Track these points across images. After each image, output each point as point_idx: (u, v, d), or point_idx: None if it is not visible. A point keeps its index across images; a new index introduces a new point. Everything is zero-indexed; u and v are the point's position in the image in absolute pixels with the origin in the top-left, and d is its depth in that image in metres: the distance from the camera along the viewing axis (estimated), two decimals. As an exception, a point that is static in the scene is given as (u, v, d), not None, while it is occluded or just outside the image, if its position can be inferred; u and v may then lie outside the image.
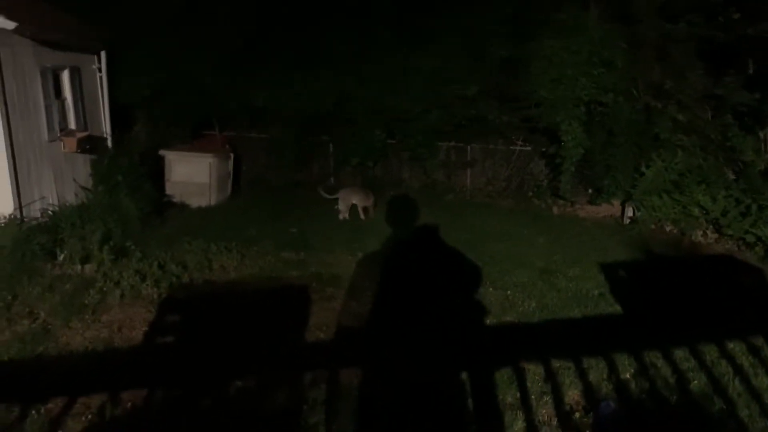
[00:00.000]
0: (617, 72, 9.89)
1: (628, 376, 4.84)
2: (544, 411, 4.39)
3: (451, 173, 12.57)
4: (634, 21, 9.71)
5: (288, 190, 12.10)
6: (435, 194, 11.95)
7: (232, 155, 11.74)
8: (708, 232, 9.40)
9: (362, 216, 10.18)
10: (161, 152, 10.95)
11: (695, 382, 4.74)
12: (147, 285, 6.54)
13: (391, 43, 11.16)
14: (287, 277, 7.28)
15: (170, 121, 11.90)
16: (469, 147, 12.34)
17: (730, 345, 5.29)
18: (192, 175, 10.82)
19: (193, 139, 11.99)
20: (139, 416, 4.31)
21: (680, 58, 9.51)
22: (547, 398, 4.52)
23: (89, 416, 4.24)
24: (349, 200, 10.26)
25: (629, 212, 10.39)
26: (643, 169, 9.86)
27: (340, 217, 10.14)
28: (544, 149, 11.56)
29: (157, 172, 10.62)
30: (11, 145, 7.56)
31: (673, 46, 9.56)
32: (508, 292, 6.78)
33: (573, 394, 4.60)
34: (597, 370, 4.89)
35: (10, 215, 7.54)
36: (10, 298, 6.16)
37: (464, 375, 4.76)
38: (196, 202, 10.79)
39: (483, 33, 10.80)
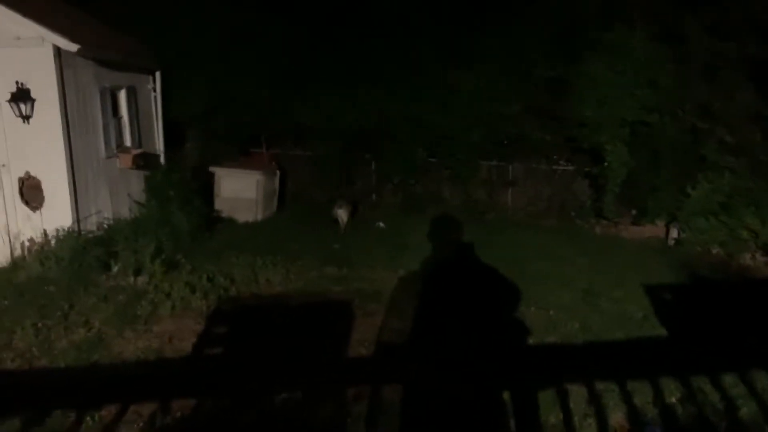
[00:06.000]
0: (663, 92, 9.79)
1: (674, 400, 4.78)
2: (587, 433, 4.39)
3: (492, 192, 12.52)
4: (682, 40, 9.61)
5: (331, 206, 12.24)
6: (476, 213, 11.91)
7: (278, 172, 12.01)
8: (757, 255, 9.17)
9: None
10: (211, 169, 11.28)
11: (745, 408, 4.65)
12: (196, 297, 6.75)
13: (436, 62, 11.26)
14: (330, 292, 7.40)
15: (220, 139, 12.25)
16: (510, 166, 12.29)
17: (782, 371, 5.17)
18: (240, 191, 11.11)
19: (241, 157, 12.30)
20: (188, 425, 4.43)
21: (729, 78, 9.37)
22: (591, 420, 4.50)
23: (140, 424, 4.39)
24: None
25: (674, 233, 10.19)
26: (689, 190, 9.69)
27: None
28: (587, 169, 11.46)
29: (207, 188, 10.94)
30: (71, 160, 7.89)
31: (722, 66, 9.42)
32: (551, 312, 6.75)
33: (617, 417, 4.56)
34: (642, 393, 4.84)
35: (68, 228, 7.85)
36: (67, 307, 6.43)
37: (506, 394, 4.77)
38: (243, 217, 11.05)
39: (528, 52, 10.83)
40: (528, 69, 10.91)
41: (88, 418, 4.41)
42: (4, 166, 7.80)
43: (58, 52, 7.52)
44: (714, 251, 9.52)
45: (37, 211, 7.92)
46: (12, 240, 7.94)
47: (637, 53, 9.72)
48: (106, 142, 8.76)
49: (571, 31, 10.58)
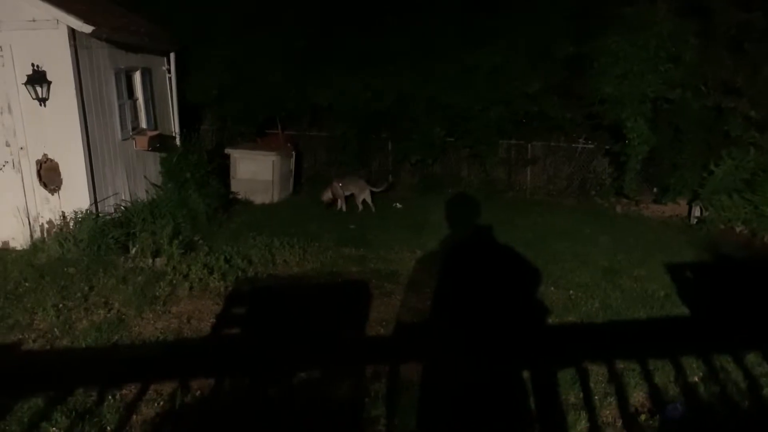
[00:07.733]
0: (686, 67, 9.57)
1: (696, 379, 4.71)
2: (608, 412, 4.34)
3: (511, 171, 12.42)
4: (705, 13, 9.37)
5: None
6: (494, 192, 11.85)
7: (293, 153, 11.99)
8: (782, 233, 9.00)
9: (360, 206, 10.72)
10: (227, 150, 11.31)
11: (769, 387, 4.59)
12: (214, 278, 6.75)
13: (453, 40, 11.08)
14: (347, 272, 7.38)
15: (236, 121, 12.24)
16: (530, 145, 12.16)
17: (807, 350, 5.08)
18: (256, 172, 11.13)
19: (257, 138, 12.29)
20: (208, 404, 4.46)
21: (754, 52, 9.12)
22: (611, 399, 4.46)
23: (161, 403, 4.43)
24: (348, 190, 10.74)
25: (696, 212, 10.02)
26: (712, 167, 9.51)
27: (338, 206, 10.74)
28: (608, 147, 11.30)
29: (223, 170, 10.94)
30: (88, 143, 7.90)
31: (746, 39, 9.17)
32: (571, 291, 6.69)
33: (638, 396, 4.51)
34: (663, 372, 4.79)
35: (86, 210, 7.89)
36: (87, 288, 6.47)
37: (526, 373, 4.74)
38: (259, 198, 11.08)
39: (547, 29, 10.62)
40: (547, 45, 10.72)
41: (110, 397, 4.46)
42: (22, 149, 7.84)
43: (72, 33, 7.48)
44: (738, 229, 9.35)
45: (55, 194, 7.96)
46: (31, 222, 8.01)
47: (660, 27, 9.49)
48: (122, 124, 8.75)
49: (592, 6, 10.36)
